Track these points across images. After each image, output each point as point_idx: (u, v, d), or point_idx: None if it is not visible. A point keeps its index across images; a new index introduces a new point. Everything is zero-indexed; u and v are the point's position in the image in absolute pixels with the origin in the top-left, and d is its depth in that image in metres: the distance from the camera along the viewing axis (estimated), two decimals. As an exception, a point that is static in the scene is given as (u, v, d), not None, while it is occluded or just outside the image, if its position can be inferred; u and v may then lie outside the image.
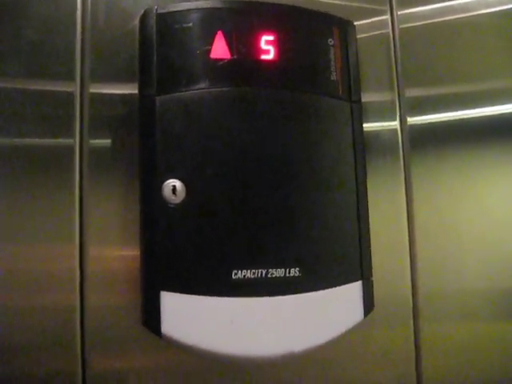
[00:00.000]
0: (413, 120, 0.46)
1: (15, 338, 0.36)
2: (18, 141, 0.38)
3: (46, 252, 0.37)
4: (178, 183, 0.37)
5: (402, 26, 0.47)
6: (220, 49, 0.38)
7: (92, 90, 0.39)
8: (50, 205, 0.37)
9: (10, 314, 0.36)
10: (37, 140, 0.38)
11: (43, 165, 0.38)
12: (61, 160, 0.38)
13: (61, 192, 0.38)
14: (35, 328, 0.36)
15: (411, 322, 0.43)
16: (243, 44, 0.39)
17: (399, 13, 0.47)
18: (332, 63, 0.41)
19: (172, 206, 0.37)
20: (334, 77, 0.41)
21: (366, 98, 0.44)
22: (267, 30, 0.39)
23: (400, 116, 0.46)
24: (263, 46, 0.39)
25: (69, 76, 0.39)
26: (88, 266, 0.37)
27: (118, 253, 0.38)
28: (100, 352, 0.37)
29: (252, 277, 0.37)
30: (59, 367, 0.36)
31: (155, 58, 0.38)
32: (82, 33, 0.39)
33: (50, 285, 0.37)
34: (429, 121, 0.47)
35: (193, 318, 0.36)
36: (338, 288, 0.39)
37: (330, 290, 0.39)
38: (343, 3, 0.46)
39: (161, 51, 0.38)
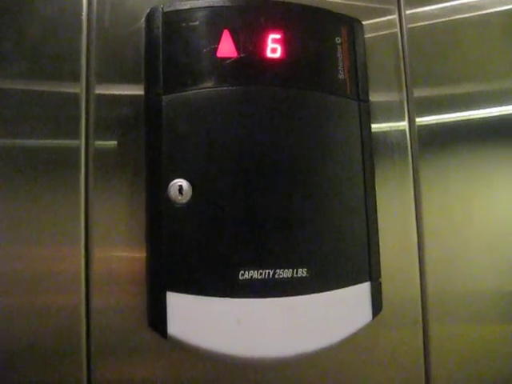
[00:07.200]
0: (421, 120, 0.46)
1: (20, 340, 0.36)
2: (23, 142, 0.38)
3: (51, 253, 0.37)
4: (184, 183, 0.37)
5: (409, 26, 0.47)
6: (227, 47, 0.38)
7: (98, 91, 0.39)
8: (56, 206, 0.37)
9: (14, 316, 0.36)
10: (42, 141, 0.38)
11: (49, 166, 0.38)
12: (66, 161, 0.38)
13: (66, 193, 0.37)
14: (40, 330, 0.36)
15: (420, 323, 0.43)
16: (250, 42, 0.39)
17: (407, 12, 0.47)
18: (340, 62, 0.41)
19: (178, 206, 0.37)
20: (341, 75, 0.41)
21: (374, 98, 0.44)
22: (274, 28, 0.39)
23: (408, 116, 0.45)
24: (270, 44, 0.39)
25: (74, 77, 0.39)
26: (93, 268, 0.37)
27: (123, 254, 0.38)
28: (106, 353, 0.37)
29: (259, 277, 0.37)
30: (64, 369, 0.36)
31: (161, 56, 0.38)
32: (88, 33, 0.39)
33: (55, 286, 0.36)
34: (437, 121, 0.47)
35: (199, 319, 0.36)
36: (346, 289, 0.39)
37: (338, 290, 0.39)
38: (351, 2, 0.45)
39: (167, 50, 0.38)
